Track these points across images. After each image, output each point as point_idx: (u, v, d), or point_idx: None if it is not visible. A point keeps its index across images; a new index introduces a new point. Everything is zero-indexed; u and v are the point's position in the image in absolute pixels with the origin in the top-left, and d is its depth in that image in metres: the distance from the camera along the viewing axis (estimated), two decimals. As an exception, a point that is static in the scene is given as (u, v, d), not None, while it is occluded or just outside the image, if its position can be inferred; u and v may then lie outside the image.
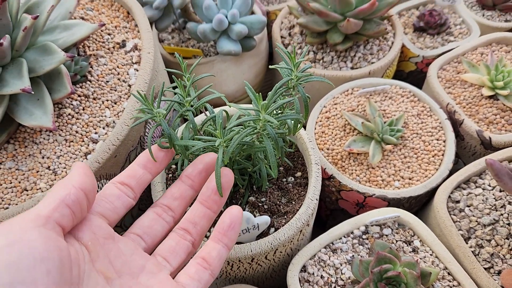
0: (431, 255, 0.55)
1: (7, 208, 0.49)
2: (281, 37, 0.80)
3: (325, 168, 0.63)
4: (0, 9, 0.48)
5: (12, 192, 0.50)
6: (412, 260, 0.50)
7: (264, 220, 0.53)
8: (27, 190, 0.50)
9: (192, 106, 0.51)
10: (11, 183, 0.50)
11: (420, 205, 0.67)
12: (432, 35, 0.85)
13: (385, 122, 0.65)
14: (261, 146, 0.47)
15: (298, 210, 0.54)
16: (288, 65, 0.44)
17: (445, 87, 0.72)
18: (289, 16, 0.83)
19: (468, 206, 0.59)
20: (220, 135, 0.44)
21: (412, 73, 0.86)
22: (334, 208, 0.69)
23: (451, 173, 0.62)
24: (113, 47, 0.61)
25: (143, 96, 0.46)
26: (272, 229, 0.54)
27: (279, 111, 0.47)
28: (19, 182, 0.51)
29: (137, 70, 0.59)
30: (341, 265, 0.55)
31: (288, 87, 0.45)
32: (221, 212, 0.52)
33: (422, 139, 0.65)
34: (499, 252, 0.54)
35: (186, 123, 0.50)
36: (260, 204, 0.56)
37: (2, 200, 0.49)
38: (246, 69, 0.77)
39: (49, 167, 0.51)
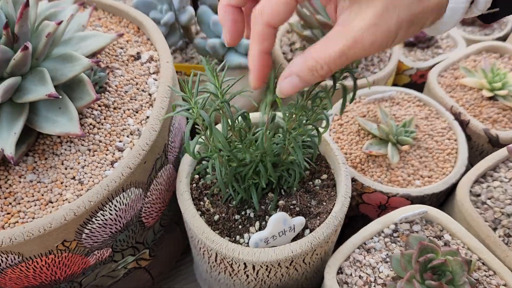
0: (463, 247, 0.56)
1: (31, 221, 0.45)
2: (283, 53, 0.81)
3: (345, 172, 0.63)
4: (22, 15, 0.47)
5: (35, 205, 0.46)
6: (453, 249, 0.50)
7: (299, 221, 0.52)
8: (52, 202, 0.47)
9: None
10: (33, 196, 0.47)
11: (437, 204, 0.67)
12: (422, 49, 0.90)
13: (397, 125, 0.66)
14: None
15: (331, 209, 0.53)
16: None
17: (446, 91, 0.75)
18: (287, 34, 0.85)
19: (489, 199, 0.60)
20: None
21: (406, 86, 0.89)
22: (353, 214, 0.69)
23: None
24: (127, 60, 0.61)
25: (182, 83, 0.44)
26: (307, 231, 0.53)
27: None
28: (42, 195, 0.47)
29: (156, 80, 0.58)
30: (377, 264, 0.54)
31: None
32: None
33: (435, 139, 0.67)
34: (527, 240, 0.55)
35: (222, 120, 0.49)
36: (291, 207, 0.54)
37: (25, 214, 0.46)
38: (252, 84, 0.77)
39: (74, 177, 0.48)
